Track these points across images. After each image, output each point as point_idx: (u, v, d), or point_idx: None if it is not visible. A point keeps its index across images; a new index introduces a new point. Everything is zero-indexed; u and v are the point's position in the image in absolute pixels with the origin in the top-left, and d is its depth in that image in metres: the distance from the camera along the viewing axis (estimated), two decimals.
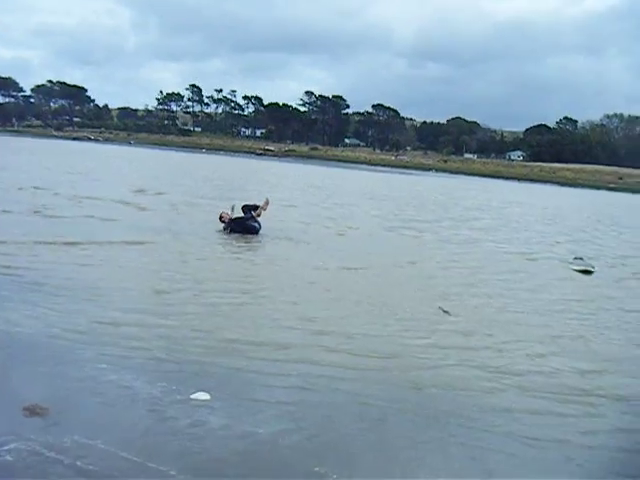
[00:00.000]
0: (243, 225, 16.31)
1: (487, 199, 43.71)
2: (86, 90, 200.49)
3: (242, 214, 16.57)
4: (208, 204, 22.07)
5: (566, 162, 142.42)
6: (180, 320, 8.32)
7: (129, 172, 39.01)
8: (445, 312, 9.99)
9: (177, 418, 5.58)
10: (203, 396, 6.03)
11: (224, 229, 16.36)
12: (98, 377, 6.28)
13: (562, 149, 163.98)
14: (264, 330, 8.25)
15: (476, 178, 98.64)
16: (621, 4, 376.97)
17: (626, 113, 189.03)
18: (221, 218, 16.66)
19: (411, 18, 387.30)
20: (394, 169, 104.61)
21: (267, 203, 16.99)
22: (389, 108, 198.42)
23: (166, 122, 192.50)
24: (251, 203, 17.04)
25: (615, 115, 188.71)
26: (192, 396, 5.99)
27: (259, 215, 16.62)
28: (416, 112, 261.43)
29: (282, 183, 40.21)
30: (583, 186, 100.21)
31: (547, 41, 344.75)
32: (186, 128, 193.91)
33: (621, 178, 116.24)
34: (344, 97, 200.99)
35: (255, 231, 16.33)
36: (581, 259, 16.37)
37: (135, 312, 8.52)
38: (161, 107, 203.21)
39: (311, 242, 16.16)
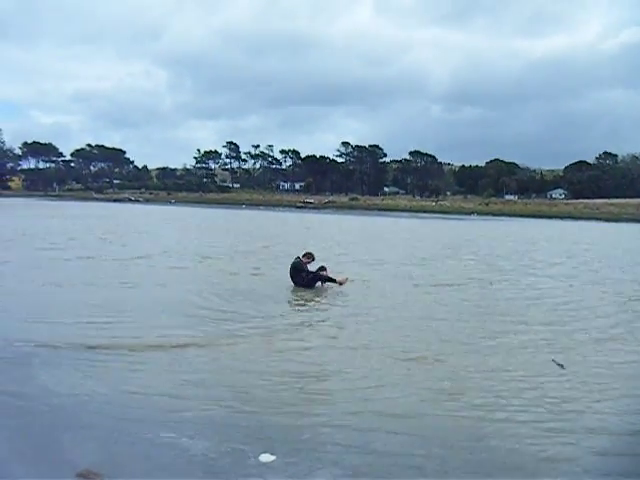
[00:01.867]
0: (317, 279, 16.62)
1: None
2: (125, 152, 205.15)
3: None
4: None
5: (608, 197, 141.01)
6: None
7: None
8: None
9: None
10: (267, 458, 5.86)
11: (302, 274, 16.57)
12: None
13: (604, 184, 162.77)
14: None
15: (524, 219, 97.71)
16: None
17: None
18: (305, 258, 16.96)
19: (444, 63, 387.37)
20: (435, 215, 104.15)
21: (345, 280, 16.76)
22: (426, 154, 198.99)
23: (205, 180, 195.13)
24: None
25: None
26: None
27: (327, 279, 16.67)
28: (454, 156, 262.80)
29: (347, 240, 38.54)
30: (629, 220, 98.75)
31: (583, 76, 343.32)
32: (225, 185, 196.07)
33: None
34: (380, 146, 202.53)
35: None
36: None
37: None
38: (199, 165, 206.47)
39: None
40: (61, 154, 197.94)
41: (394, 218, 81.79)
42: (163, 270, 19.40)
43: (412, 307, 14.39)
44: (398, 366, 9.31)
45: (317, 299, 15.18)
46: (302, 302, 14.81)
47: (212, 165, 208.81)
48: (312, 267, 16.80)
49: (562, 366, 9.46)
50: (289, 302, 15.01)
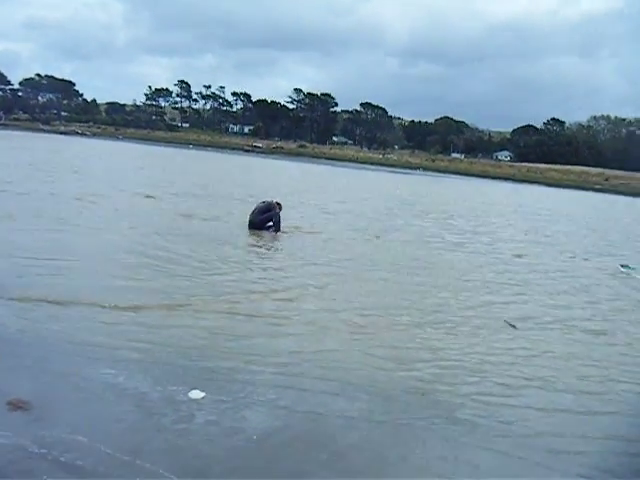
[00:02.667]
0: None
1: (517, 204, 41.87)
2: (74, 84, 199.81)
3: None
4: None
5: (553, 163, 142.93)
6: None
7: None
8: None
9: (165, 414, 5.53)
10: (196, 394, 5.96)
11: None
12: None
13: (549, 150, 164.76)
14: None
15: (465, 178, 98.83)
16: (619, 5, 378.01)
17: (613, 115, 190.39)
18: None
19: (404, 17, 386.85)
20: (382, 167, 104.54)
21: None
22: (377, 107, 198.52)
23: (154, 117, 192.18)
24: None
25: (602, 117, 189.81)
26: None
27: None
28: (405, 111, 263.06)
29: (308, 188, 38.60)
30: (569, 187, 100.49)
31: (540, 42, 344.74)
32: (174, 124, 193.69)
33: (607, 179, 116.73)
34: (333, 95, 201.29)
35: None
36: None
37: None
38: (149, 102, 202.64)
39: None
40: (9, 82, 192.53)
41: (340, 168, 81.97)
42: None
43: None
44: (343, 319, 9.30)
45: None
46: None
47: (162, 103, 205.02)
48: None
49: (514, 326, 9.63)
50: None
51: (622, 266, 16.34)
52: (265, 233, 16.68)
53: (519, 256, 17.35)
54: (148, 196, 22.15)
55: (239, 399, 5.99)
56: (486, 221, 27.97)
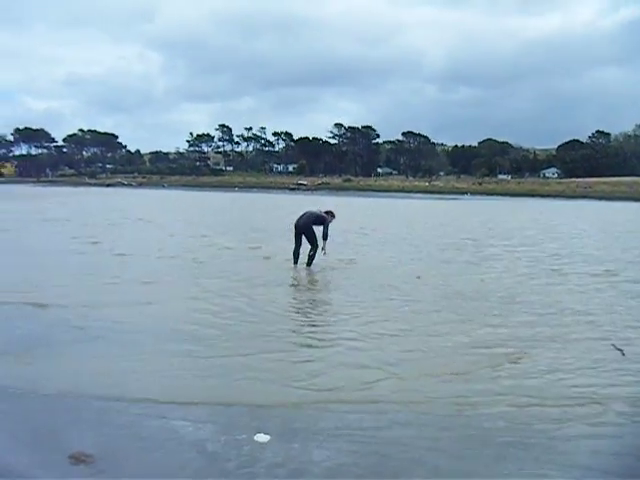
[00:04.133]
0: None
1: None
2: (117, 137, 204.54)
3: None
4: None
5: (601, 176, 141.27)
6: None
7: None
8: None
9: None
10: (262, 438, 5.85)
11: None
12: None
13: (596, 163, 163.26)
14: None
15: (513, 198, 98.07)
16: None
17: None
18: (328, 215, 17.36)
19: (439, 42, 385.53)
20: (429, 195, 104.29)
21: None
22: (419, 135, 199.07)
23: (198, 163, 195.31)
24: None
25: None
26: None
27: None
28: (447, 137, 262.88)
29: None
30: (621, 199, 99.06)
31: (578, 55, 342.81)
32: (218, 168, 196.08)
33: None
34: (374, 127, 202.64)
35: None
36: None
37: None
38: (192, 149, 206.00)
39: None
40: (53, 139, 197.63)
41: (389, 199, 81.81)
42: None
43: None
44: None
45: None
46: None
47: (205, 148, 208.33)
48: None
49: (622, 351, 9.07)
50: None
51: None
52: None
53: None
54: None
55: None
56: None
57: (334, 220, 17.36)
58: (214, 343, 9.27)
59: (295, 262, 17.13)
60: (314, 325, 10.69)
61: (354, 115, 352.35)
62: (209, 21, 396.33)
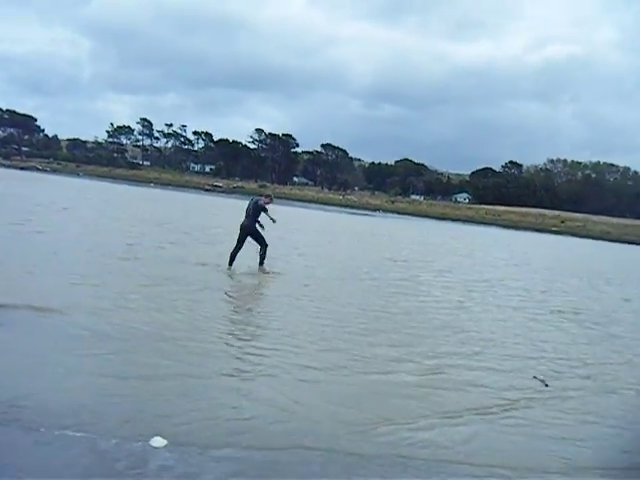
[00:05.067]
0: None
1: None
2: (36, 120, 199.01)
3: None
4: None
5: (510, 205, 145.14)
6: None
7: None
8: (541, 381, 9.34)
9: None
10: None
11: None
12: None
13: (507, 192, 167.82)
14: None
15: (425, 220, 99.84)
16: (580, 51, 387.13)
17: (569, 159, 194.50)
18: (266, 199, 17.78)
19: (369, 59, 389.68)
20: (342, 208, 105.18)
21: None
22: (338, 148, 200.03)
23: (115, 155, 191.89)
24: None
25: (559, 160, 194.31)
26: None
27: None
28: (366, 153, 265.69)
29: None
30: (527, 229, 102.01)
31: (503, 87, 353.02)
32: (135, 162, 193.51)
33: (563, 222, 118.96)
34: (294, 136, 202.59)
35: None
36: None
37: None
38: (111, 140, 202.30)
39: None
40: None
41: (303, 209, 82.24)
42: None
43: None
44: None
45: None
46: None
47: (124, 141, 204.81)
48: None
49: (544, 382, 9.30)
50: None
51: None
52: None
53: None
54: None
55: None
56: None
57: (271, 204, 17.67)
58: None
59: (230, 264, 17.22)
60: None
61: (276, 122, 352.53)
62: (146, 12, 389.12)
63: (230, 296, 13.65)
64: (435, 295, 17.03)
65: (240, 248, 17.27)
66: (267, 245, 17.39)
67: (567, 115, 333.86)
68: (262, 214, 17.16)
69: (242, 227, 17.32)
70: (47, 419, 5.94)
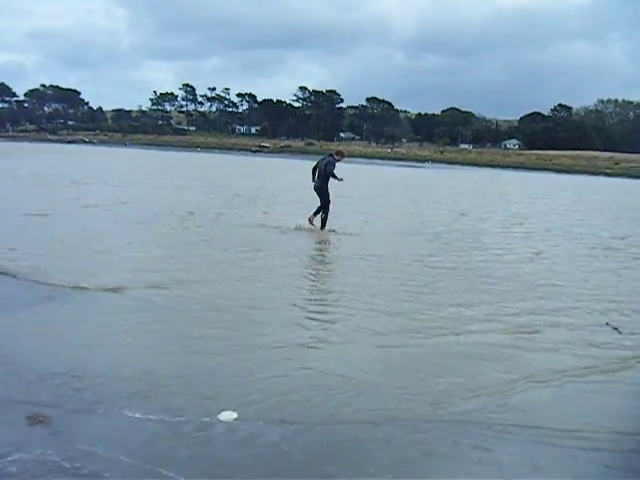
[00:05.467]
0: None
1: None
2: (79, 93, 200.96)
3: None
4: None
5: (561, 149, 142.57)
6: None
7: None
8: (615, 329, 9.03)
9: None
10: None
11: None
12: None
13: (557, 136, 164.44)
14: None
15: (475, 168, 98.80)
16: None
17: (620, 98, 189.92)
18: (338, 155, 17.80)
19: (410, 9, 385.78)
20: (391, 161, 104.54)
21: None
22: (383, 101, 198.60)
23: (160, 122, 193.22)
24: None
25: (609, 101, 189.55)
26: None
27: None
28: (412, 104, 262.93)
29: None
30: (580, 172, 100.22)
31: (550, 28, 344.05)
32: (180, 127, 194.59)
33: (617, 163, 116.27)
34: (338, 91, 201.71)
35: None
36: None
37: None
38: (155, 107, 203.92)
39: None
40: (14, 94, 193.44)
41: (351, 164, 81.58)
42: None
43: None
44: None
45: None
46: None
47: (168, 107, 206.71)
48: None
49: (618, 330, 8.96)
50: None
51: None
52: None
53: None
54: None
55: None
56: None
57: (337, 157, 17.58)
58: None
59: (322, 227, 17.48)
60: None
61: (320, 79, 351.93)
62: None
63: (296, 258, 13.67)
64: (506, 247, 16.60)
65: (327, 209, 17.43)
66: (329, 209, 17.43)
67: (616, 53, 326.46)
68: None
69: (315, 189, 17.50)
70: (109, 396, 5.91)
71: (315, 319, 8.84)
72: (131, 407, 5.61)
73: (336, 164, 17.26)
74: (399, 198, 31.81)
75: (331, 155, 17.62)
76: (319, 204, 17.38)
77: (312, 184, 17.65)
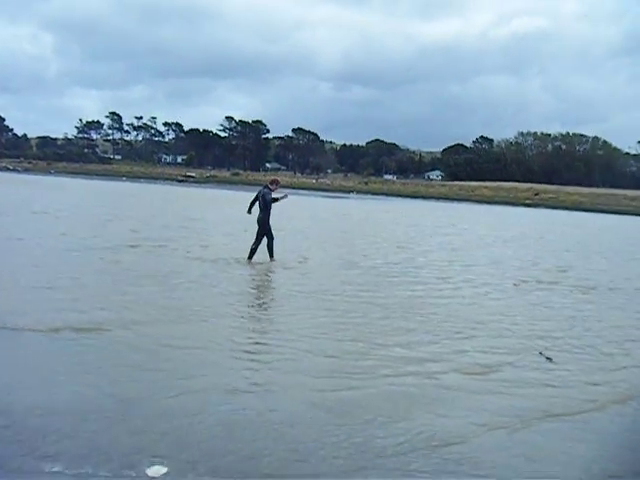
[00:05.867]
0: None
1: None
2: (4, 119, 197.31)
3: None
4: None
5: (483, 180, 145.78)
6: None
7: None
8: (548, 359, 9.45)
9: None
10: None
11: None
12: None
13: (479, 167, 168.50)
14: None
15: (399, 199, 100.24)
16: (548, 24, 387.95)
17: (539, 131, 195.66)
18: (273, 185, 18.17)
19: (338, 41, 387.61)
20: (316, 192, 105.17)
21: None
22: (309, 132, 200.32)
23: (86, 150, 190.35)
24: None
25: (529, 133, 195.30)
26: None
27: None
28: (337, 135, 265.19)
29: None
30: (500, 203, 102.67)
31: (471, 62, 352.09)
32: (106, 156, 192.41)
33: (537, 194, 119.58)
34: (264, 122, 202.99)
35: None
36: None
37: None
38: (81, 136, 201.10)
39: None
40: None
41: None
42: None
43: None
44: None
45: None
46: None
47: (94, 136, 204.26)
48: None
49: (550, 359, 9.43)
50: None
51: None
52: None
53: None
54: None
55: None
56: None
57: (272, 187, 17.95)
58: None
59: (250, 257, 17.55)
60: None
61: (246, 109, 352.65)
62: (108, 4, 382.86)
63: (234, 294, 13.41)
64: (444, 280, 16.87)
65: (260, 242, 17.64)
66: (273, 238, 17.77)
67: (536, 88, 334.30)
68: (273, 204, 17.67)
69: (258, 221, 17.62)
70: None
71: (251, 360, 8.63)
72: (49, 459, 5.34)
73: (272, 195, 17.65)
74: (333, 230, 31.97)
75: (267, 186, 17.92)
76: (260, 236, 17.59)
77: (250, 215, 17.92)
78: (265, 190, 17.72)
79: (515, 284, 16.78)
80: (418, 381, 8.07)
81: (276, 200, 17.60)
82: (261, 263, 17.25)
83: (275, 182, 18.23)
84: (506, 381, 8.31)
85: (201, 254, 18.35)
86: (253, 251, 17.58)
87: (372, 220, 42.78)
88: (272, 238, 17.75)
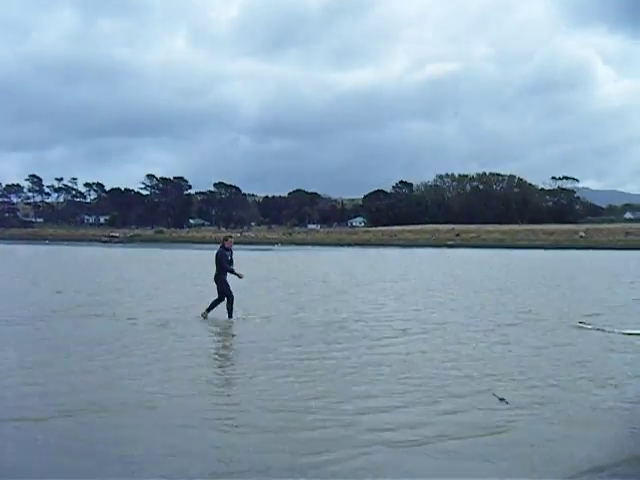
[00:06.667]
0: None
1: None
2: None
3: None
4: None
5: (405, 224, 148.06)
6: None
7: None
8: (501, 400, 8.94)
9: None
10: None
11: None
12: None
13: (400, 212, 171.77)
14: None
15: (324, 248, 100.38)
16: (460, 68, 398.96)
17: (456, 172, 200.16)
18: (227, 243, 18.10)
19: (256, 94, 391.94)
20: (242, 245, 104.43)
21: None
22: (230, 186, 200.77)
23: (7, 215, 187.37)
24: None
25: (447, 175, 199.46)
26: None
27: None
28: (259, 187, 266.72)
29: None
30: (424, 245, 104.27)
31: (388, 109, 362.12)
32: (27, 219, 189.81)
33: (458, 234, 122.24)
34: (185, 178, 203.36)
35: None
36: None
37: None
38: (1, 200, 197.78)
39: None
40: None
41: (200, 250, 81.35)
42: None
43: None
44: None
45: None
46: None
47: (14, 199, 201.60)
48: None
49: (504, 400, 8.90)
50: None
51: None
52: None
53: None
54: None
55: None
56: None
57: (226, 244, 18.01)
58: None
59: (208, 311, 17.53)
60: None
61: (168, 166, 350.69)
62: (25, 65, 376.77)
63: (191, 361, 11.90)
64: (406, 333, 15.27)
65: (221, 300, 17.61)
66: (232, 297, 17.65)
67: (452, 130, 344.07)
68: (230, 265, 17.77)
69: (214, 279, 17.77)
70: None
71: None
72: None
73: (231, 250, 17.87)
74: (268, 285, 30.54)
75: (222, 246, 17.96)
76: (216, 296, 17.61)
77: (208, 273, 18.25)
78: (220, 250, 17.91)
79: None
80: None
81: (232, 272, 17.63)
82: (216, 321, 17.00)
83: (225, 239, 18.34)
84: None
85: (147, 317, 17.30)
86: (213, 305, 17.56)
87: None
88: (232, 298, 17.59)
